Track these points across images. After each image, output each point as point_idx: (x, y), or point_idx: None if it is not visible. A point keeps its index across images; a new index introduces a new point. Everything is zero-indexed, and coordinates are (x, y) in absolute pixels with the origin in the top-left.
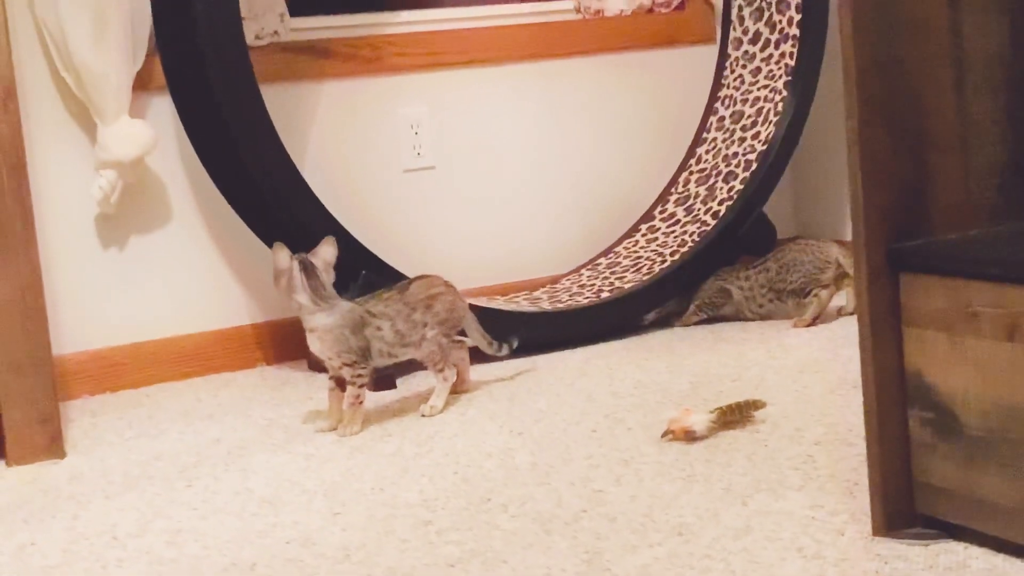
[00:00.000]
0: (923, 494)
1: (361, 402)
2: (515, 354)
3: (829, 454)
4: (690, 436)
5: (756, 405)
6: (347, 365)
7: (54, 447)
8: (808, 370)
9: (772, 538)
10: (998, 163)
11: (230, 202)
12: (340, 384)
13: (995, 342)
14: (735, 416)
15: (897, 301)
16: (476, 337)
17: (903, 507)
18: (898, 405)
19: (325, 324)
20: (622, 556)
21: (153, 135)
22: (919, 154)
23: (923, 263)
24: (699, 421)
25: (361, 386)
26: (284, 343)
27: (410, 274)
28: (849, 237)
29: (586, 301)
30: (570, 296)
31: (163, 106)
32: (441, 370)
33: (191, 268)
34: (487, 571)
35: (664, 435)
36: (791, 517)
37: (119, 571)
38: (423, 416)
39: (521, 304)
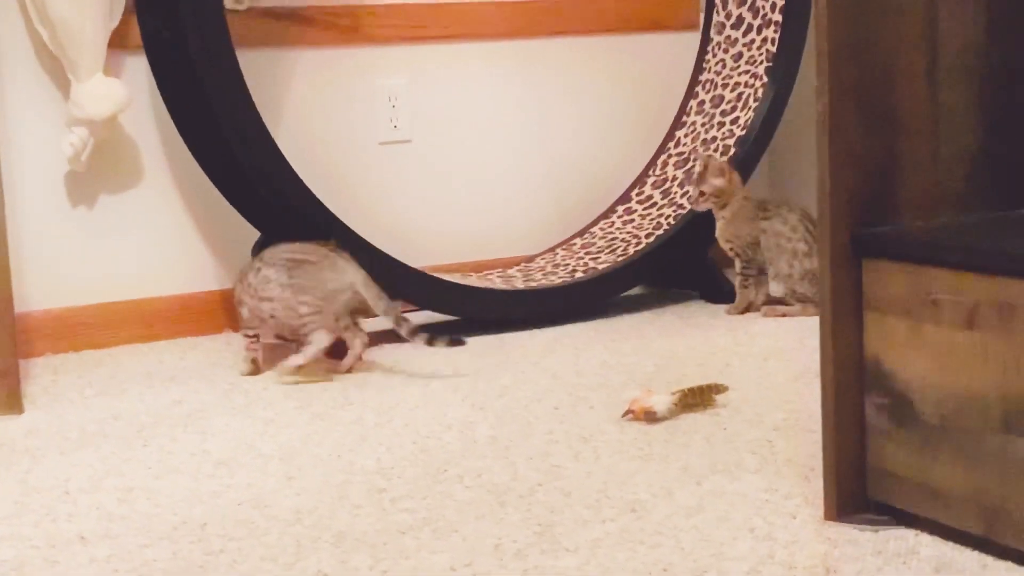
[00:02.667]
0: (876, 480)
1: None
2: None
3: (788, 439)
4: (651, 417)
5: (718, 389)
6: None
7: (11, 401)
8: (773, 357)
9: (724, 518)
10: (967, 151)
11: (202, 166)
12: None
13: (954, 330)
14: (696, 399)
15: (859, 286)
16: (379, 310)
17: (856, 492)
18: (856, 390)
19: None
20: (574, 530)
21: (127, 94)
22: (888, 139)
23: (885, 249)
24: (660, 402)
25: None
26: None
27: (385, 248)
28: None
29: (559, 281)
30: (544, 275)
31: (139, 65)
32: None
33: (160, 230)
34: (438, 539)
35: (625, 415)
36: (745, 499)
37: (68, 525)
38: (278, 373)
39: (494, 282)
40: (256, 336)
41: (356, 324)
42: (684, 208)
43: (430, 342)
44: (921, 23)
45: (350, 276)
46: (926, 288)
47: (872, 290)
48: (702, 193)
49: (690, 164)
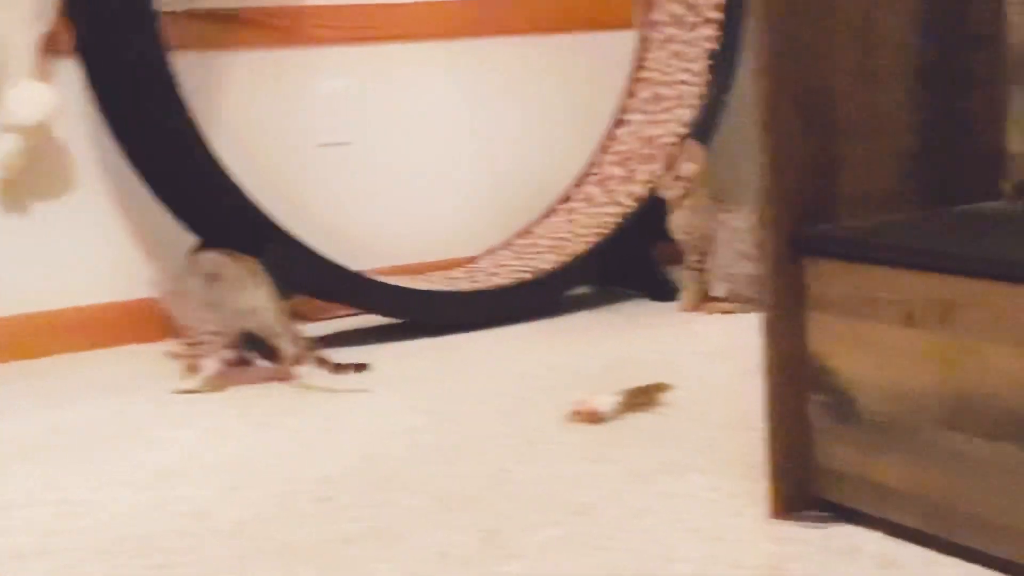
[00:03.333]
0: (821, 478)
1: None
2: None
3: (732, 438)
4: (596, 418)
5: (662, 388)
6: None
7: None
8: (718, 356)
9: (672, 519)
10: (904, 150)
11: (137, 171)
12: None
13: (893, 327)
14: (641, 398)
15: (801, 285)
16: (282, 343)
17: (801, 490)
18: (798, 389)
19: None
20: (521, 534)
21: (57, 99)
22: (827, 140)
23: (825, 248)
24: (605, 402)
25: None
26: None
27: (326, 251)
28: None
29: (504, 281)
30: (488, 276)
31: (72, 70)
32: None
33: (96, 237)
34: (384, 548)
35: (570, 416)
36: (691, 499)
37: (3, 540)
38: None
39: (438, 283)
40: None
41: (288, 333)
42: (627, 207)
43: (336, 370)
44: (857, 26)
45: (257, 301)
46: (865, 287)
47: (813, 289)
48: (678, 177)
49: (631, 162)
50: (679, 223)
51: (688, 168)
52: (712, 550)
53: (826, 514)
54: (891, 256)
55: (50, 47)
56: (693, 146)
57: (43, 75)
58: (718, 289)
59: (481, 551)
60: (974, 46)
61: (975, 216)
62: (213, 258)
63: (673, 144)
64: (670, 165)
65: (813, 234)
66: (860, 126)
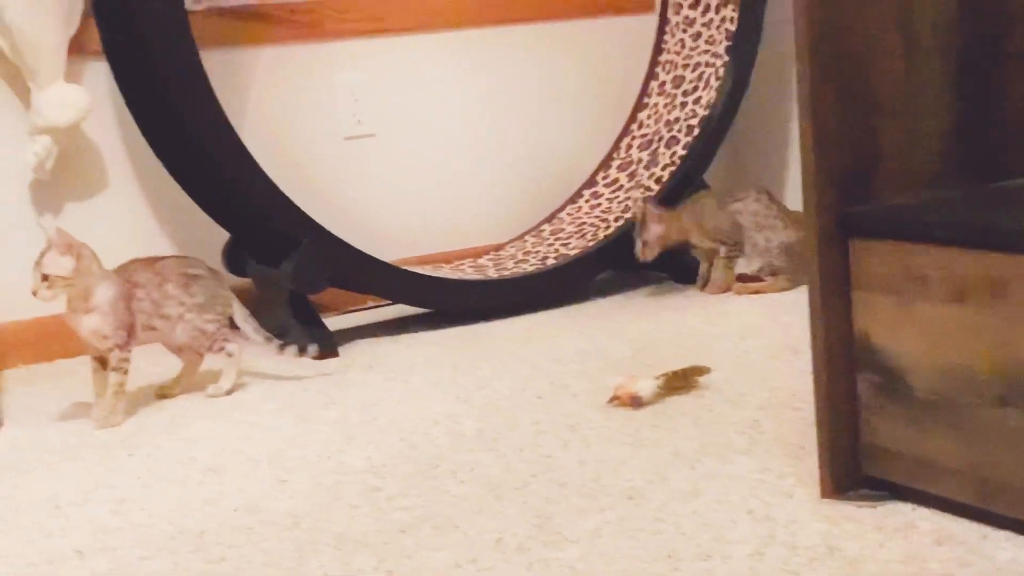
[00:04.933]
0: (871, 456)
1: (125, 389)
2: (323, 353)
3: (774, 418)
4: (636, 402)
5: (700, 371)
6: (118, 347)
7: None
8: (749, 336)
9: (721, 501)
10: (944, 129)
11: (168, 169)
12: (104, 364)
13: (943, 305)
14: (680, 382)
15: (846, 265)
16: (248, 332)
17: (851, 469)
18: (846, 368)
19: (104, 298)
20: (573, 520)
21: (89, 100)
22: (868, 120)
23: (872, 228)
24: (645, 387)
25: (126, 372)
26: None
27: (354, 243)
28: (788, 201)
29: (532, 268)
30: (515, 263)
31: (100, 70)
32: (221, 349)
33: (128, 235)
34: (438, 536)
35: (610, 401)
36: (739, 480)
37: (63, 540)
38: (210, 397)
39: (466, 272)
40: None
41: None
42: (651, 190)
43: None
44: (895, 4)
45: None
46: (914, 265)
47: (859, 269)
48: (645, 243)
49: (654, 145)
50: (700, 237)
51: (655, 231)
52: (766, 531)
53: (878, 492)
54: (940, 234)
55: (79, 48)
56: (650, 209)
57: (73, 76)
58: (751, 266)
59: (536, 537)
60: (1012, 23)
61: (1017, 192)
62: (170, 263)
63: (639, 205)
64: (640, 233)
65: (859, 214)
66: (900, 105)
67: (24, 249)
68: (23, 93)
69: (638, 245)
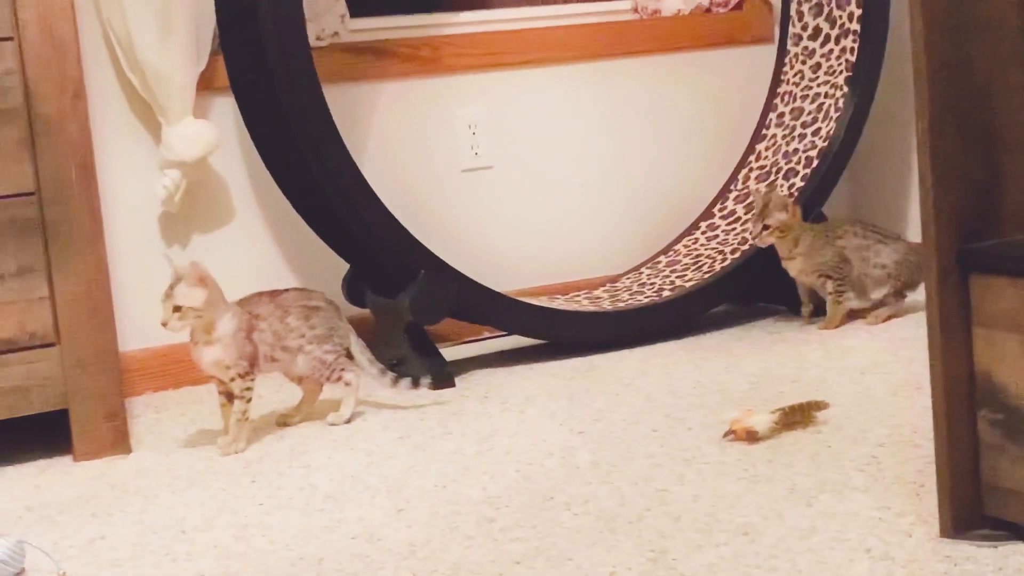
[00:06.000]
0: (991, 496)
1: (248, 417)
2: (439, 383)
3: (893, 455)
4: (752, 436)
5: (818, 406)
6: (240, 376)
7: (120, 443)
8: (869, 371)
9: (839, 539)
10: None
11: (291, 202)
12: (231, 398)
13: None
14: (797, 417)
15: (967, 302)
16: (363, 364)
17: (971, 509)
18: (967, 406)
19: (227, 329)
20: (688, 555)
21: (216, 135)
22: (989, 155)
23: (994, 264)
24: (761, 422)
25: (249, 400)
26: None
27: (471, 274)
28: (908, 235)
29: (647, 300)
30: (631, 295)
31: (226, 106)
32: (339, 379)
33: (252, 267)
34: (552, 568)
35: (726, 435)
36: (857, 518)
37: (188, 564)
38: (330, 425)
39: (582, 304)
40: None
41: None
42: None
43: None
44: (1018, 39)
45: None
46: None
47: (980, 305)
48: (766, 227)
49: (771, 177)
50: (803, 269)
51: (779, 218)
52: (885, 570)
53: (999, 532)
54: None
55: (207, 84)
56: (779, 195)
57: (201, 112)
58: (877, 295)
59: (650, 571)
60: None
61: None
62: (291, 296)
63: (765, 191)
64: (760, 216)
65: (980, 250)
66: (1020, 141)
67: (152, 279)
68: (154, 129)
69: (757, 228)
